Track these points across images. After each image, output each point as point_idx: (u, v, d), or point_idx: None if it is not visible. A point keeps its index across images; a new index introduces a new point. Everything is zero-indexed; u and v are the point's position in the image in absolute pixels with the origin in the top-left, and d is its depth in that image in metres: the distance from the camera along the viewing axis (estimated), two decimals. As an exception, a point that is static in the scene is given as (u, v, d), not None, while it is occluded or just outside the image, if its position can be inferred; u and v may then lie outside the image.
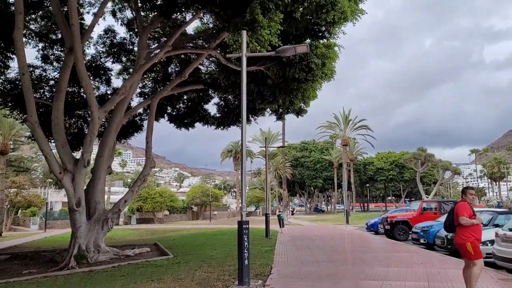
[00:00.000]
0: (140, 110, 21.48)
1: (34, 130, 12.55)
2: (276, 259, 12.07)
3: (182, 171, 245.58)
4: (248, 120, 21.45)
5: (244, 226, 7.70)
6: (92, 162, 15.65)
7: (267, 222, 20.53)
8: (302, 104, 19.91)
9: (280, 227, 24.49)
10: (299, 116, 20.73)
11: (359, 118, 68.55)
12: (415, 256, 12.29)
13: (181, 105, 22.34)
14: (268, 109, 20.74)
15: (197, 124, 22.04)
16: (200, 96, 21.52)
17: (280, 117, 21.38)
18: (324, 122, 70.24)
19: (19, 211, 51.49)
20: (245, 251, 7.57)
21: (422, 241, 15.72)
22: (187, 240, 20.79)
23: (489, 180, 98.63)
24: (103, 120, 20.63)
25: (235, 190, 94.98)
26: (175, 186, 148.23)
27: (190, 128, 22.52)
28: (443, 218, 17.04)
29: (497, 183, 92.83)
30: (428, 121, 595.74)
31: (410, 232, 18.88)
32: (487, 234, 10.96)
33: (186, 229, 33.98)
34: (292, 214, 73.70)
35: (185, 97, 21.91)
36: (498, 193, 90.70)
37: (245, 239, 7.63)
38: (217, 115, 21.86)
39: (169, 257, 13.65)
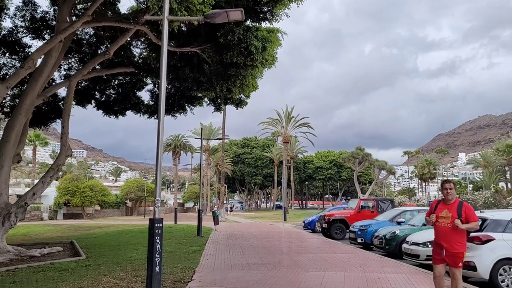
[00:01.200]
0: (65, 94, 19.35)
1: None
2: (202, 261, 10.74)
3: (120, 165, 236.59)
4: (184, 110, 20.12)
5: (156, 224, 6.30)
6: None
7: (199, 219, 19.13)
8: (242, 95, 18.91)
9: (215, 224, 23.19)
10: (239, 108, 19.82)
11: (301, 116, 68.91)
12: (353, 258, 11.51)
13: (111, 91, 20.40)
14: (206, 99, 19.52)
15: (138, 117, 20.30)
16: (132, 82, 19.73)
17: (218, 108, 20.20)
18: (267, 118, 69.84)
19: None
20: (157, 256, 6.17)
21: (359, 240, 15.13)
22: (110, 238, 18.85)
23: (419, 180, 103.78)
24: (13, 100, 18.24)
25: (174, 185, 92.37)
26: (111, 180, 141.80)
27: (120, 116, 20.74)
28: (381, 217, 16.70)
29: (427, 183, 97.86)
30: (365, 124, 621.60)
31: (347, 231, 18.39)
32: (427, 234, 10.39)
33: (114, 225, 31.62)
34: (231, 210, 72.63)
35: (116, 82, 20.02)
36: (427, 193, 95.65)
37: (157, 240, 6.23)
38: (151, 102, 20.23)
39: (81, 258, 11.90)
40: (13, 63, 18.60)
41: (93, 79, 18.92)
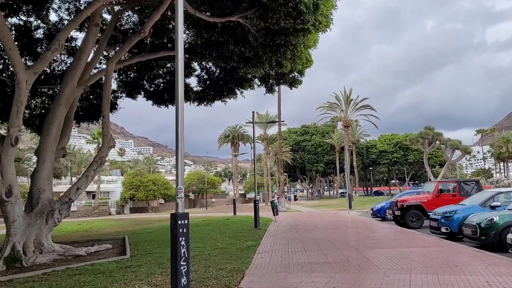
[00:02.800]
0: (115, 87, 18.79)
1: None
2: (255, 260, 9.09)
3: (184, 159, 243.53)
4: (234, 94, 18.84)
5: (180, 221, 4.71)
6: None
7: (255, 210, 17.58)
8: (295, 74, 17.18)
9: (274, 215, 21.60)
10: (293, 88, 18.25)
11: (361, 98, 65.21)
12: (441, 253, 9.29)
13: (159, 80, 19.57)
14: (256, 80, 18.02)
15: (198, 112, 19.39)
16: (180, 68, 18.56)
17: (270, 89, 18.65)
18: (325, 102, 66.95)
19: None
20: (182, 263, 4.59)
21: (443, 229, 12.69)
22: (164, 232, 17.86)
23: (496, 160, 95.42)
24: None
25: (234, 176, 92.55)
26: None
27: (170, 105, 19.89)
28: (467, 201, 14.11)
29: (505, 163, 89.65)
30: (429, 105, 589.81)
31: (425, 218, 15.95)
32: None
33: (174, 218, 31.16)
34: (296, 199, 70.88)
35: (164, 70, 19.13)
36: (506, 173, 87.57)
37: (182, 243, 4.65)
38: (199, 89, 19.14)
39: (124, 257, 10.80)
40: (62, 58, 18.27)
41: (139, 68, 18.08)
